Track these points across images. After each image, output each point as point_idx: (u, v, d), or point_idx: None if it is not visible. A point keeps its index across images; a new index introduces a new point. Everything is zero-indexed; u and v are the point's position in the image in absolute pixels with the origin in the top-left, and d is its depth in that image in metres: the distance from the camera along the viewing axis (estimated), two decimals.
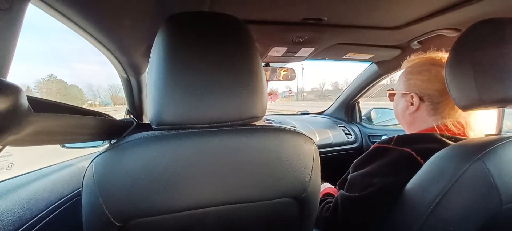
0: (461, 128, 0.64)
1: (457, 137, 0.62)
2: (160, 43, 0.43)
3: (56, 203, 0.61)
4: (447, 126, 0.65)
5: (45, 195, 0.60)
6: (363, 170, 0.65)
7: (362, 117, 1.87)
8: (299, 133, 0.49)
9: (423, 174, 0.53)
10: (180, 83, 0.41)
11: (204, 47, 0.43)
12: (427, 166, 0.53)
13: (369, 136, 1.70)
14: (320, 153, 1.50)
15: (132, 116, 1.21)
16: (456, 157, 0.50)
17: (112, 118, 0.49)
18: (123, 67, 0.96)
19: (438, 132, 0.64)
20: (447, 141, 0.60)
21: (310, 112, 2.05)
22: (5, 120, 0.26)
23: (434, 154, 0.54)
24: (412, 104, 0.70)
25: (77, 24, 0.62)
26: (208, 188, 0.43)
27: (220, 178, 0.44)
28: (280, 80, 1.36)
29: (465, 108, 0.54)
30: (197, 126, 0.43)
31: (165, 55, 0.42)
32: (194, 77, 0.41)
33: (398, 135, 0.66)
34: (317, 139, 1.55)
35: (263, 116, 0.48)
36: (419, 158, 0.58)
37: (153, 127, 0.45)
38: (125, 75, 1.04)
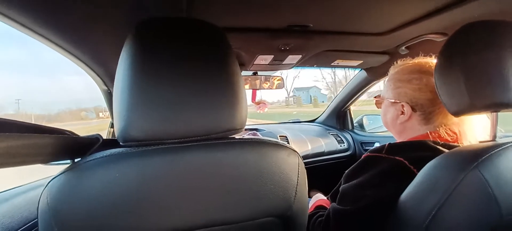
0: (454, 135, 0.62)
1: (451, 144, 0.60)
2: (127, 50, 0.40)
3: (18, 229, 0.55)
4: (440, 134, 0.62)
5: (5, 221, 0.54)
6: (355, 181, 0.62)
7: (354, 124, 1.86)
8: (281, 145, 0.45)
9: (417, 185, 0.50)
10: (148, 95, 0.38)
11: (176, 55, 0.39)
12: (420, 176, 0.51)
13: (361, 143, 1.68)
14: (313, 162, 1.50)
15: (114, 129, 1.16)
16: (450, 166, 0.47)
17: (76, 135, 0.44)
18: (101, 79, 0.91)
19: (431, 139, 0.61)
20: (441, 148, 0.58)
21: (301, 120, 2.03)
22: None
23: (427, 162, 0.51)
24: (402, 113, 0.68)
25: (41, 35, 0.57)
26: (180, 211, 0.39)
27: (193, 199, 0.39)
28: (270, 89, 1.34)
29: (456, 114, 0.52)
30: (168, 141, 0.39)
31: (131, 64, 0.39)
32: (165, 88, 0.38)
33: (390, 143, 0.63)
34: (309, 147, 1.52)
35: (242, 129, 0.45)
36: (412, 167, 0.56)
37: (120, 143, 0.40)
38: (105, 87, 0.99)
